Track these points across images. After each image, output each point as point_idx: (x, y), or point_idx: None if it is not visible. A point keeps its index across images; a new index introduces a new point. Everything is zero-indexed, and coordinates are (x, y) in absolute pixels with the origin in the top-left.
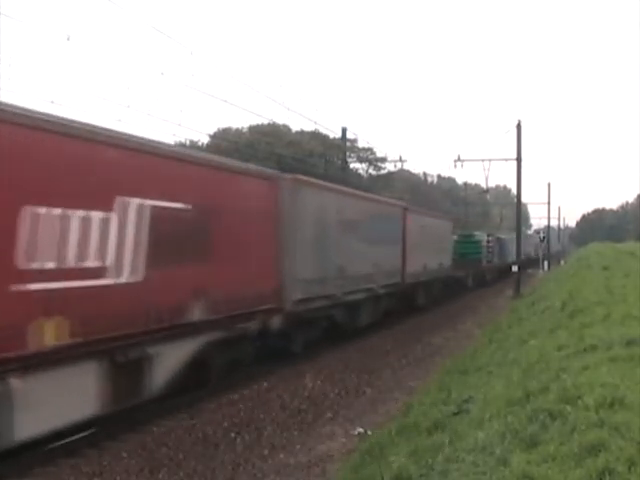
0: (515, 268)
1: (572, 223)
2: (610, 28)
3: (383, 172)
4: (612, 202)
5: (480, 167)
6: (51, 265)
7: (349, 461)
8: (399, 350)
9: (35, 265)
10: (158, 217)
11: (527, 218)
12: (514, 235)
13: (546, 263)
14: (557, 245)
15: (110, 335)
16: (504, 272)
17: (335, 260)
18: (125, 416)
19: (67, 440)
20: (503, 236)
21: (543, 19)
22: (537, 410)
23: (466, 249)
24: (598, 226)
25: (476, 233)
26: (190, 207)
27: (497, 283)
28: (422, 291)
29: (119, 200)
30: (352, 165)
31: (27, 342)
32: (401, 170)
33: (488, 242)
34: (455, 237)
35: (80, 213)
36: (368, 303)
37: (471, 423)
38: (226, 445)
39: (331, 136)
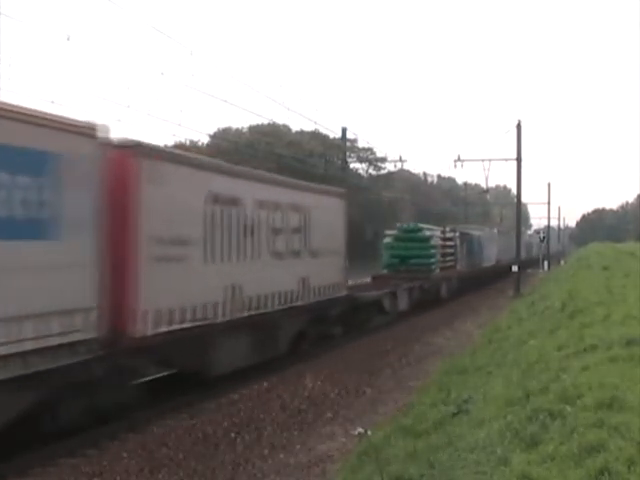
0: (515, 268)
1: (572, 223)
2: (610, 28)
3: (383, 172)
4: (612, 202)
5: (480, 167)
6: None
7: (349, 461)
8: (399, 350)
9: None
10: None
11: (527, 218)
12: (493, 231)
13: (546, 263)
14: (557, 245)
15: None
16: (477, 281)
17: None
18: (125, 416)
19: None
20: (475, 232)
21: (543, 19)
22: (537, 410)
23: (407, 251)
24: (598, 226)
25: (423, 226)
26: None
27: (476, 294)
28: (220, 348)
29: None
30: (352, 165)
31: None
32: (401, 170)
33: (445, 240)
34: (393, 232)
35: None
36: None
37: (471, 423)
38: (226, 445)
39: (331, 136)
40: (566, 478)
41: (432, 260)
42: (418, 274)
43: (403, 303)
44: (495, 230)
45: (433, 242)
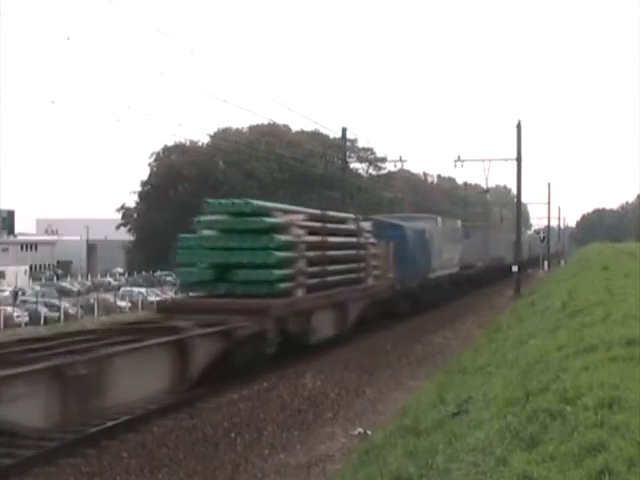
0: (515, 268)
1: (572, 223)
2: (610, 28)
3: (383, 172)
4: (612, 202)
5: (480, 167)
6: None
7: (349, 461)
8: (399, 350)
9: None
10: None
11: (527, 218)
12: (454, 224)
13: (546, 263)
14: (557, 245)
15: None
16: (418, 302)
17: None
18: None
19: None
20: (414, 224)
21: (543, 19)
22: (537, 410)
23: (232, 254)
24: (598, 226)
25: (270, 206)
26: None
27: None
28: None
29: None
30: (352, 165)
31: None
32: (401, 170)
33: (328, 234)
34: (211, 218)
35: None
36: None
37: (471, 423)
38: (226, 445)
39: (331, 136)
40: (566, 478)
41: (279, 273)
42: (250, 304)
43: (125, 393)
44: (458, 223)
45: (286, 236)
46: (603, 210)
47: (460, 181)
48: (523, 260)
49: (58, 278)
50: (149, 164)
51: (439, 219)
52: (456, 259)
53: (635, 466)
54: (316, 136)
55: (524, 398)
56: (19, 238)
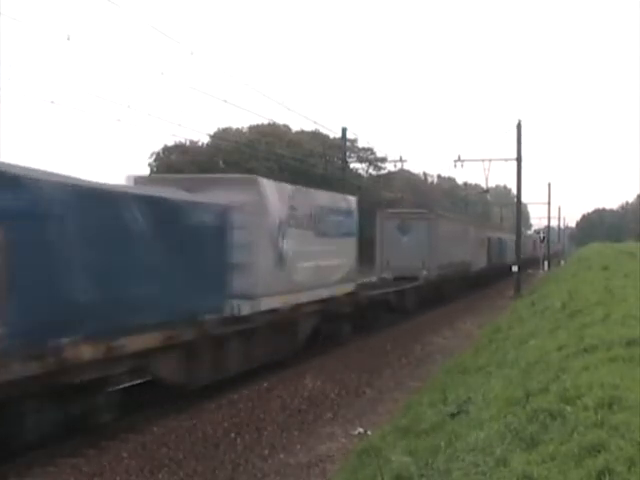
0: (515, 268)
1: (572, 223)
2: (610, 28)
3: (383, 172)
4: (612, 202)
5: (480, 167)
6: None
7: (349, 461)
8: (399, 350)
9: None
10: None
11: (527, 218)
12: (333, 201)
13: (546, 263)
14: (557, 245)
15: None
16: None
17: None
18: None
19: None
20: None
21: (543, 19)
22: (537, 410)
23: None
24: (598, 226)
25: None
26: None
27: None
28: None
29: None
30: (352, 165)
31: None
32: (401, 170)
33: None
34: None
35: None
36: None
37: (471, 423)
38: (226, 445)
39: (331, 136)
40: (566, 478)
41: None
42: None
43: None
44: (350, 201)
45: None
46: (603, 210)
47: (460, 181)
48: (505, 261)
49: None
50: (149, 164)
51: (266, 183)
52: (344, 269)
53: (635, 466)
54: (316, 136)
55: (524, 398)
56: None
